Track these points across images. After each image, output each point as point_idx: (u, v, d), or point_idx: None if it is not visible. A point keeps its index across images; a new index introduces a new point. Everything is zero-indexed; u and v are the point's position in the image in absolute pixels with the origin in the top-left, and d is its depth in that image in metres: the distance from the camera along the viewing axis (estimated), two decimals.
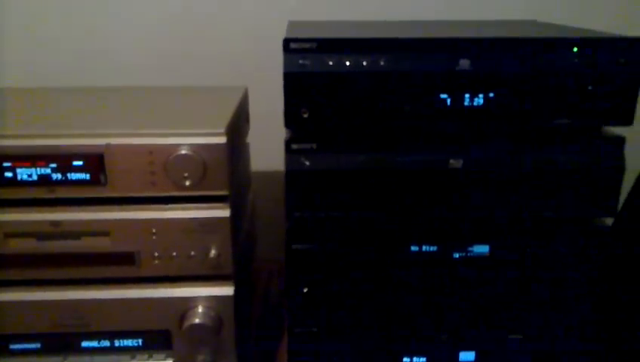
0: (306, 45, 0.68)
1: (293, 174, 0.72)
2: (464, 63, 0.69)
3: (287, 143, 0.71)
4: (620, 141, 0.73)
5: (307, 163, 0.72)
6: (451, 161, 0.73)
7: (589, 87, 0.70)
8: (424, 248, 0.75)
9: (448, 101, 0.70)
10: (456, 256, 0.75)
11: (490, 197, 0.74)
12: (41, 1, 1.04)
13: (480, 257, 0.75)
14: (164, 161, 0.68)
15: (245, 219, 0.91)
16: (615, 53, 0.69)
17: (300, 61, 0.68)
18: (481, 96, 0.70)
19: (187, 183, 0.69)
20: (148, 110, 0.82)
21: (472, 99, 0.70)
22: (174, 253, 0.69)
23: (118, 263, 0.69)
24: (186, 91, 0.94)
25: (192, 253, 0.69)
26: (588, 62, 0.69)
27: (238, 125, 0.84)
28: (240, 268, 0.79)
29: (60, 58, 1.07)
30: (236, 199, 0.78)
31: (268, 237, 1.06)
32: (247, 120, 0.96)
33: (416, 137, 0.73)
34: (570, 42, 0.69)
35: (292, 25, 0.91)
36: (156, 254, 0.69)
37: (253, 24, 1.06)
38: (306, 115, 0.70)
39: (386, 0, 1.05)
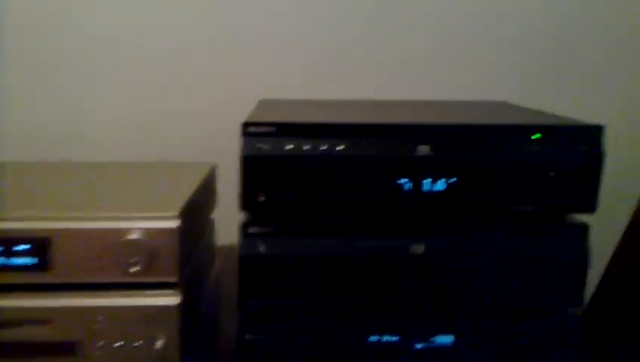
0: (265, 129, 0.67)
1: (247, 259, 0.69)
2: (423, 149, 0.68)
3: (243, 227, 0.69)
4: (584, 229, 0.71)
5: (263, 248, 0.69)
6: (413, 246, 0.71)
7: (551, 174, 0.69)
8: (384, 338, 0.71)
9: (408, 186, 0.69)
10: (419, 346, 0.72)
11: (453, 284, 0.71)
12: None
13: (443, 348, 0.72)
14: (112, 246, 0.65)
15: (205, 300, 0.88)
16: (576, 140, 0.69)
17: (258, 144, 0.67)
18: (441, 181, 0.69)
19: (135, 269, 0.66)
20: (103, 190, 0.80)
21: (432, 185, 0.69)
22: (118, 344, 0.65)
23: (58, 354, 0.65)
24: (151, 167, 0.93)
25: (137, 343, 0.65)
26: (549, 149, 0.69)
27: (199, 204, 0.82)
28: (194, 356, 0.75)
29: (24, 130, 1.06)
30: (191, 283, 0.75)
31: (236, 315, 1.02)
32: (213, 196, 0.94)
33: (376, 222, 0.71)
34: (531, 129, 0.69)
35: (262, 103, 0.91)
36: (98, 344, 0.65)
37: (228, 100, 1.06)
38: (262, 199, 0.68)
39: (365, 81, 1.07)
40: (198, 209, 0.81)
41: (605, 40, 1.06)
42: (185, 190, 0.77)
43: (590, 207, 0.70)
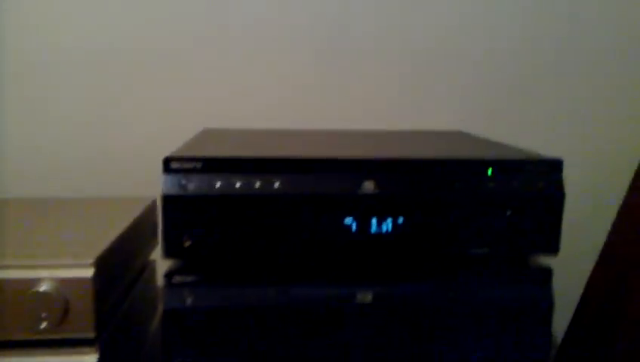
0: (190, 165, 0.60)
1: (172, 313, 0.61)
2: (368, 186, 0.62)
3: (167, 276, 0.61)
4: (547, 274, 0.65)
5: (190, 299, 0.61)
6: (359, 295, 0.64)
7: (508, 213, 0.63)
8: None
9: (353, 227, 0.62)
10: None
11: (405, 337, 0.64)
12: None
13: None
14: (18, 299, 0.57)
15: (143, 353, 0.79)
16: (534, 175, 0.64)
17: (183, 182, 0.60)
18: (389, 221, 0.63)
19: (45, 325, 0.57)
20: (16, 232, 0.71)
21: (379, 225, 0.63)
22: None
23: None
24: (80, 205, 0.84)
25: None
26: (504, 185, 0.63)
27: (131, 245, 0.74)
28: None
29: None
30: (117, 338, 0.67)
31: None
32: (152, 235, 0.86)
33: (317, 268, 0.64)
34: (484, 163, 0.63)
35: (204, 133, 0.84)
36: None
37: (174, 129, 0.98)
38: (188, 244, 0.60)
39: (320, 110, 1.01)
40: (127, 251, 0.73)
41: (571, 68, 1.02)
42: (111, 230, 0.69)
43: (552, 247, 0.64)
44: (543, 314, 0.65)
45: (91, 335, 0.59)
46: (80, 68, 0.96)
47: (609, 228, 0.92)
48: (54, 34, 0.95)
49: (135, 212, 0.78)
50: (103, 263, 0.61)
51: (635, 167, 0.91)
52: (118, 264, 0.69)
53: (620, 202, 0.91)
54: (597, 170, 1.01)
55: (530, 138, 0.88)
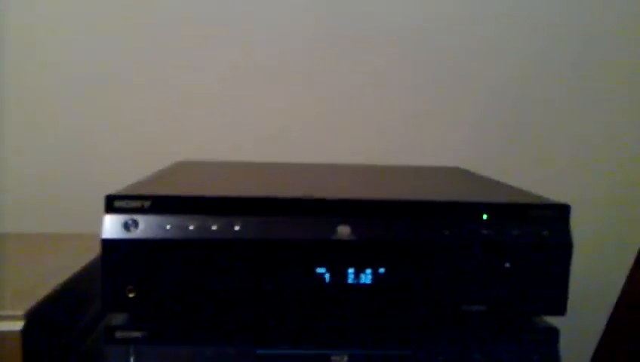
0: (137, 204, 0.52)
1: None
2: (343, 231, 0.53)
3: (107, 331, 0.53)
4: (553, 335, 0.56)
5: (134, 358, 0.53)
6: (333, 357, 0.54)
7: (506, 265, 0.54)
8: None
9: (326, 277, 0.54)
10: None
11: None
12: None
13: None
14: None
15: None
16: (537, 222, 0.55)
17: (128, 223, 0.52)
18: (368, 272, 0.54)
19: None
20: None
21: (357, 276, 0.54)
22: None
23: None
24: (35, 240, 0.77)
25: None
26: (502, 232, 0.54)
27: (85, 289, 0.65)
28: None
29: None
30: None
31: None
32: None
33: (286, 326, 0.55)
34: (478, 207, 0.55)
35: (177, 165, 0.77)
36: None
37: (146, 161, 0.91)
38: (132, 295, 0.52)
39: (309, 143, 0.93)
40: (76, 300, 0.65)
41: (578, 106, 0.94)
42: (57, 274, 0.61)
43: (558, 307, 0.55)
44: None
45: None
46: (50, 94, 0.90)
47: (623, 278, 0.83)
48: (20, 59, 0.89)
49: (93, 252, 0.70)
50: (39, 315, 0.53)
51: None
52: (62, 316, 0.61)
53: (636, 251, 0.82)
54: (607, 215, 0.91)
55: (534, 180, 0.80)
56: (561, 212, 0.55)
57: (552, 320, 0.58)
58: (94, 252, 0.69)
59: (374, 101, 0.92)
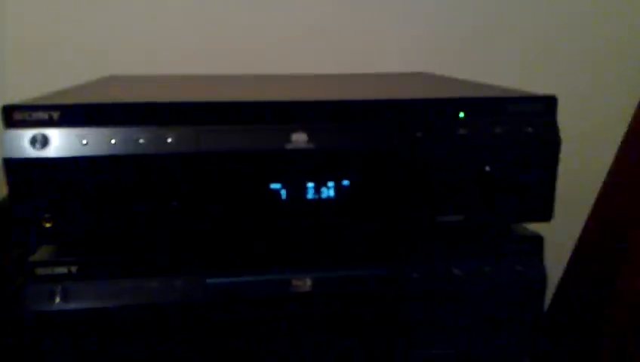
0: (44, 115, 0.42)
1: (37, 317, 0.45)
2: (299, 138, 0.45)
3: (28, 268, 0.45)
4: (537, 244, 0.50)
5: (60, 297, 0.45)
6: (295, 281, 0.48)
7: (486, 168, 0.47)
8: None
9: (282, 193, 0.46)
10: None
11: (355, 332, 0.49)
12: None
13: None
14: None
15: None
16: (520, 118, 0.48)
17: (36, 139, 0.42)
18: (330, 185, 0.47)
19: None
20: None
21: (317, 190, 0.47)
22: None
23: None
24: None
25: None
26: (481, 132, 0.47)
27: None
28: None
29: None
30: None
31: None
32: None
33: (237, 250, 0.48)
34: (453, 104, 0.47)
35: (102, 79, 0.66)
36: None
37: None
38: (49, 225, 0.43)
39: (255, 54, 0.82)
40: None
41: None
42: None
43: (544, 213, 0.49)
44: (533, 296, 0.51)
45: None
46: None
47: (603, 178, 0.78)
48: None
49: None
50: None
51: (634, 107, 0.77)
52: None
53: (616, 150, 0.77)
54: (587, 112, 0.85)
55: (509, 79, 0.72)
56: (546, 105, 0.48)
57: (534, 226, 0.52)
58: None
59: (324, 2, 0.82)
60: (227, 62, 0.81)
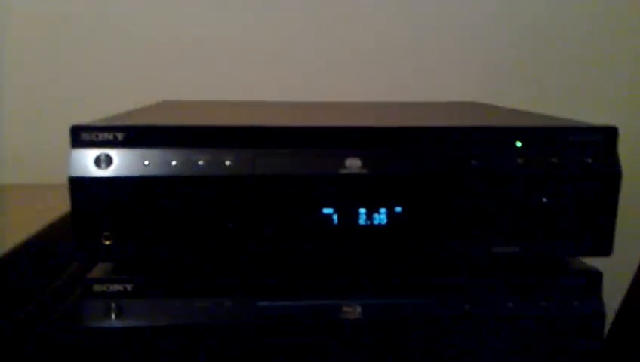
0: (109, 136, 0.44)
1: (93, 332, 0.46)
2: (353, 164, 0.46)
3: (85, 284, 0.46)
4: (596, 279, 0.49)
5: (115, 314, 0.46)
6: (345, 308, 0.48)
7: (544, 200, 0.47)
8: None
9: (334, 218, 0.46)
10: None
11: (403, 360, 0.48)
12: None
13: None
14: None
15: None
16: (579, 148, 0.47)
17: (100, 159, 0.44)
18: (382, 211, 0.46)
19: None
20: None
21: (369, 216, 0.47)
22: None
23: None
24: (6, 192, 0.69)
25: None
26: (538, 162, 0.46)
27: (49, 250, 0.58)
28: None
29: None
30: None
31: None
32: None
33: (289, 274, 0.48)
34: (510, 133, 0.47)
35: (160, 103, 0.68)
36: None
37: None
38: (109, 243, 0.45)
39: (312, 80, 0.83)
40: (53, 251, 0.57)
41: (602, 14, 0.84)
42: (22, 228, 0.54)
43: (603, 247, 0.47)
44: (591, 332, 0.49)
45: None
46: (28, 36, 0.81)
47: None
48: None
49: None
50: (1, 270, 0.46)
51: None
52: (31, 271, 0.54)
53: None
54: None
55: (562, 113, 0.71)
56: (606, 136, 0.47)
57: (592, 261, 0.51)
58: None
59: (375, 37, 0.83)
60: (279, 89, 0.83)
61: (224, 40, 0.82)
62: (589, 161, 0.46)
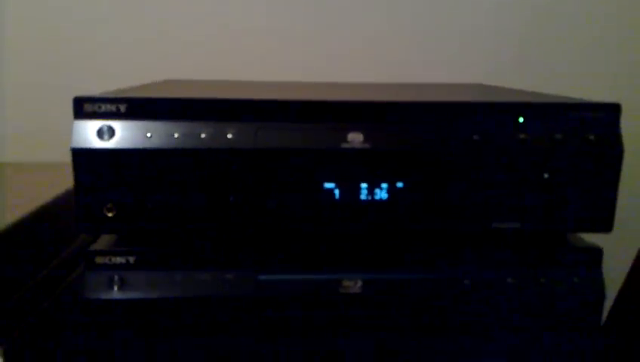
0: (110, 107, 0.44)
1: (96, 304, 0.46)
2: (355, 138, 0.46)
3: (88, 256, 0.46)
4: (597, 256, 0.49)
5: (118, 286, 0.46)
6: (345, 282, 0.48)
7: (545, 176, 0.47)
8: None
9: (336, 193, 0.46)
10: None
11: (405, 337, 0.49)
12: None
13: None
14: None
15: None
16: (582, 124, 0.47)
17: (102, 130, 0.44)
18: (383, 186, 0.47)
19: None
20: None
21: (371, 191, 0.47)
22: None
23: None
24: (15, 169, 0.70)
25: None
26: (541, 138, 0.46)
27: (56, 222, 0.58)
28: None
29: None
30: (27, 345, 0.52)
31: None
32: None
33: (290, 247, 0.48)
34: (513, 108, 0.47)
35: (163, 81, 0.68)
36: None
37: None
38: (111, 214, 0.45)
39: (315, 62, 0.83)
40: (58, 225, 0.58)
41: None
42: (31, 200, 0.54)
43: (604, 223, 0.47)
44: (591, 308, 0.49)
45: None
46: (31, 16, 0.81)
47: None
48: None
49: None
50: (5, 245, 0.47)
51: None
52: (36, 246, 0.54)
53: None
54: None
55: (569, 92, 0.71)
56: (610, 112, 0.47)
57: (591, 237, 0.51)
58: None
59: (380, 17, 0.83)
60: (286, 71, 0.82)
61: (228, 22, 0.82)
62: (591, 137, 0.46)
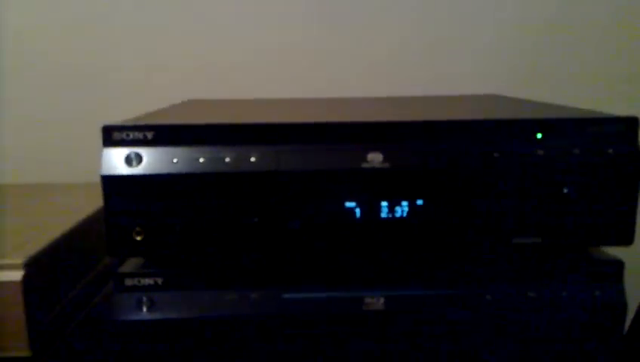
0: (138, 135, 0.46)
1: (124, 327, 0.47)
2: (375, 158, 0.47)
3: (117, 278, 0.48)
4: (619, 269, 0.49)
5: (147, 307, 0.48)
6: (367, 299, 0.49)
7: (564, 190, 0.47)
8: None
9: (357, 212, 0.47)
10: None
11: (427, 353, 0.49)
12: None
13: None
14: None
15: None
16: (601, 139, 0.47)
17: (130, 157, 0.45)
18: (404, 204, 0.47)
19: None
20: None
21: (391, 209, 0.47)
22: None
23: None
24: (40, 191, 0.72)
25: None
26: (559, 153, 0.47)
27: (86, 242, 0.60)
28: None
29: None
30: (64, 356, 0.54)
31: None
32: None
33: (313, 266, 0.49)
34: (531, 125, 0.47)
35: (182, 105, 0.70)
36: None
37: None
38: (140, 238, 0.46)
39: (334, 77, 0.85)
40: (82, 249, 0.60)
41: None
42: (60, 223, 0.56)
43: (624, 236, 0.48)
44: (613, 321, 0.49)
45: (26, 353, 0.47)
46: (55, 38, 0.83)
47: None
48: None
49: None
50: (40, 264, 0.49)
51: None
52: (69, 266, 0.56)
53: None
54: None
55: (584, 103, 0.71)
56: (628, 126, 0.47)
57: (614, 251, 0.51)
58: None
59: (390, 31, 0.84)
60: (304, 86, 0.84)
61: (241, 39, 0.84)
62: (610, 151, 0.47)
